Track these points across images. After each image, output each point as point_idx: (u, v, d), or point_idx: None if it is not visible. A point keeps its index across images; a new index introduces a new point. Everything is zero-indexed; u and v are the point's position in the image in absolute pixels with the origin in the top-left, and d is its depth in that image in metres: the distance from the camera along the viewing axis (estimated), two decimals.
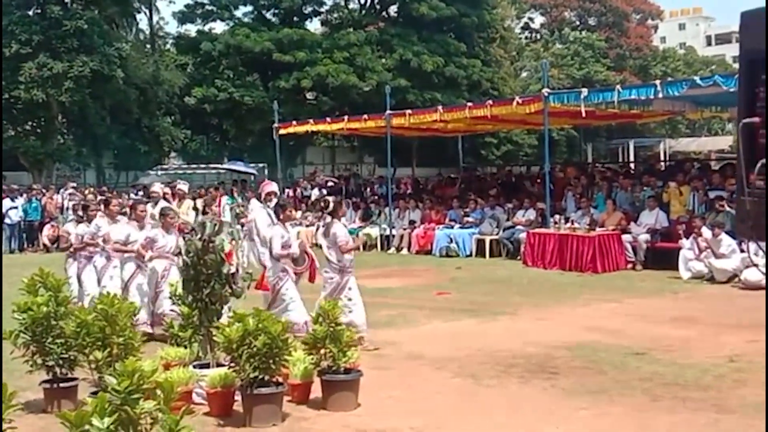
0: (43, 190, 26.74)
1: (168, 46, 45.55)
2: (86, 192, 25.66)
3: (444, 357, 9.33)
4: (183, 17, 42.90)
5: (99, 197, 15.65)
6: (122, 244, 10.75)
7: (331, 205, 9.99)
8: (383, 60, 40.04)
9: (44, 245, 23.80)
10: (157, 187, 15.92)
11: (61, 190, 26.96)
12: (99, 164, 37.31)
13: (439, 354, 9.51)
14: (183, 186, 16.13)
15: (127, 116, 35.96)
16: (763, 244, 3.50)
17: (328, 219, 9.96)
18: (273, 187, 11.74)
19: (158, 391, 3.90)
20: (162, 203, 13.56)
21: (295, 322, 9.30)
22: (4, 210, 24.04)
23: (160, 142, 38.29)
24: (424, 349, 9.83)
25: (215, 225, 7.82)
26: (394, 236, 21.94)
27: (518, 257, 18.54)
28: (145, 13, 43.40)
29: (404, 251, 21.50)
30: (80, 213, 12.24)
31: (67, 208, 23.99)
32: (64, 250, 12.02)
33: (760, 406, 6.62)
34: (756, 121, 3.31)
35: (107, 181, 35.97)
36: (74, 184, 28.41)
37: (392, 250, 21.54)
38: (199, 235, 7.65)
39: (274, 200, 11.07)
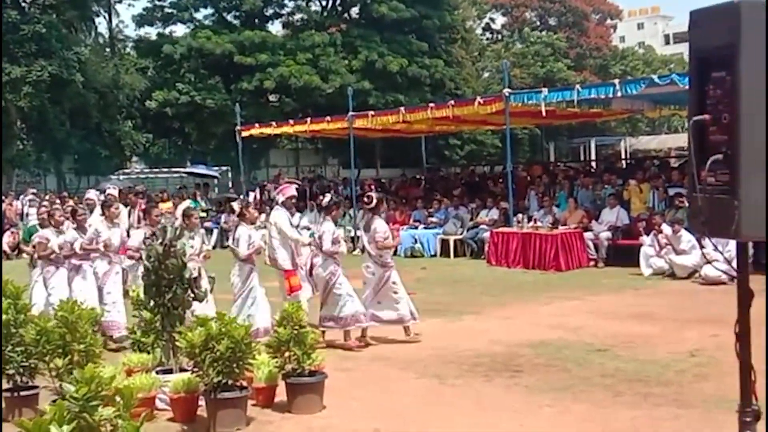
0: (2, 197, 26.35)
1: (128, 49, 45.05)
2: (46, 198, 25.31)
3: (409, 357, 9.36)
4: (142, 20, 42.46)
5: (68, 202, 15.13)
6: (135, 249, 10.41)
7: (374, 200, 10.41)
8: (347, 62, 39.98)
9: (4, 252, 23.44)
10: (92, 194, 15.72)
11: (21, 196, 26.61)
12: (59, 169, 36.83)
13: (405, 354, 9.54)
14: (113, 191, 15.89)
15: (88, 121, 35.52)
16: (716, 240, 3.55)
17: (369, 214, 10.46)
18: (293, 190, 11.72)
19: (118, 398, 3.87)
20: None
21: (351, 314, 9.99)
22: None
23: (121, 147, 37.88)
24: (390, 349, 9.87)
25: (176, 229, 7.77)
26: (358, 237, 21.91)
27: (482, 257, 18.63)
28: (104, 17, 42.98)
29: None
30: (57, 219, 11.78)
31: (27, 214, 23.71)
32: (43, 258, 11.24)
33: (721, 400, 6.72)
34: (706, 119, 3.36)
35: (68, 187, 35.53)
36: (34, 190, 28.05)
37: (357, 251, 21.51)
38: (159, 240, 7.60)
39: (333, 201, 11.03)
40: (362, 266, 10.54)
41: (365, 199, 10.59)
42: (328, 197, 10.90)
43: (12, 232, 23.24)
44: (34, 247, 11.58)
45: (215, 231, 24.02)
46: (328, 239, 10.21)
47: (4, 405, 7.32)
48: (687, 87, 3.61)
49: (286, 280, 10.72)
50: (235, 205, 10.57)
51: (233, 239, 10.32)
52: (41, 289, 11.27)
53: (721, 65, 3.29)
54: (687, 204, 12.93)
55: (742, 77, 3.18)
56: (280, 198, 11.26)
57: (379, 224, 10.36)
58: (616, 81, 17.71)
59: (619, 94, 16.67)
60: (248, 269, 10.10)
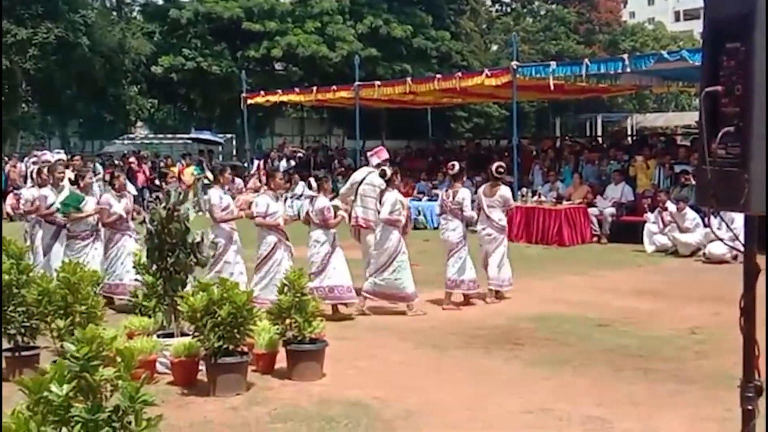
0: (6, 159, 26.33)
1: (135, 13, 44.75)
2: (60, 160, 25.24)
3: (409, 328, 9.38)
4: None
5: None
6: (263, 216, 9.94)
7: (503, 170, 11.31)
8: (353, 29, 39.65)
9: (7, 214, 23.46)
10: (49, 156, 15.63)
11: (25, 159, 26.54)
12: (64, 133, 36.76)
13: (405, 325, 9.56)
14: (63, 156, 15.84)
15: (93, 85, 35.30)
16: (724, 215, 3.52)
17: (490, 184, 11.21)
18: (386, 154, 11.82)
19: (119, 359, 3.86)
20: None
21: (471, 280, 10.56)
22: None
23: (126, 111, 37.71)
24: (390, 320, 9.88)
25: (180, 194, 7.74)
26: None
27: None
28: None
29: None
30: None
31: (30, 176, 23.67)
32: (107, 225, 10.67)
33: (721, 376, 6.72)
34: (718, 90, 3.31)
35: (72, 150, 35.45)
36: (38, 153, 27.97)
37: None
38: (163, 204, 7.57)
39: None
40: (479, 230, 11.15)
41: (494, 169, 11.10)
42: (457, 166, 10.82)
43: (15, 194, 23.23)
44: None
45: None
46: (469, 205, 10.61)
47: (5, 365, 7.35)
48: (696, 63, 3.57)
49: None
50: (388, 170, 10.52)
51: (380, 203, 10.46)
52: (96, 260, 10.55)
53: (736, 36, 3.23)
54: (695, 178, 12.84)
55: (757, 48, 3.12)
56: (375, 160, 11.23)
57: (507, 191, 11.19)
58: (626, 56, 17.60)
59: (628, 69, 16.58)
60: (393, 233, 10.25)
